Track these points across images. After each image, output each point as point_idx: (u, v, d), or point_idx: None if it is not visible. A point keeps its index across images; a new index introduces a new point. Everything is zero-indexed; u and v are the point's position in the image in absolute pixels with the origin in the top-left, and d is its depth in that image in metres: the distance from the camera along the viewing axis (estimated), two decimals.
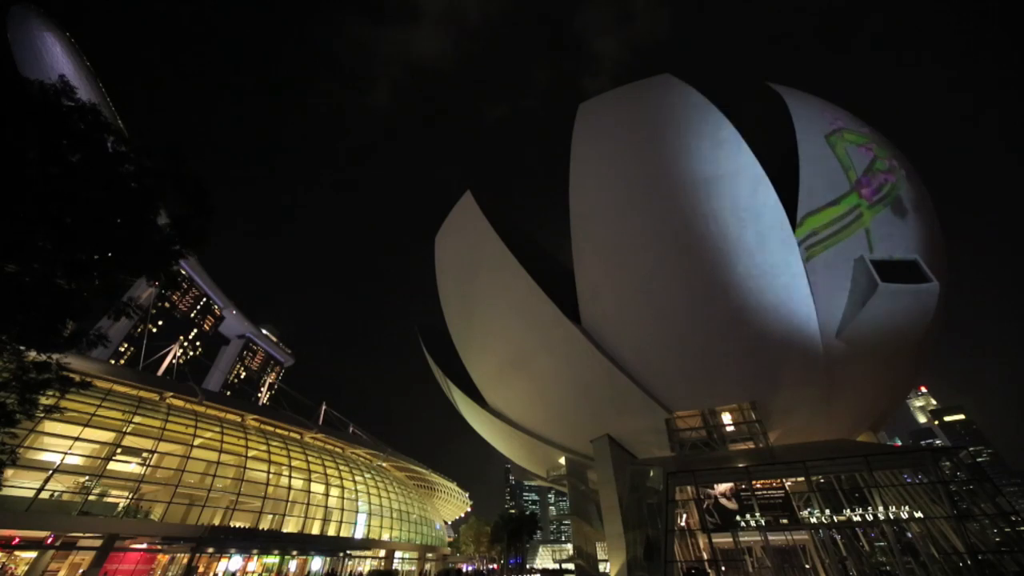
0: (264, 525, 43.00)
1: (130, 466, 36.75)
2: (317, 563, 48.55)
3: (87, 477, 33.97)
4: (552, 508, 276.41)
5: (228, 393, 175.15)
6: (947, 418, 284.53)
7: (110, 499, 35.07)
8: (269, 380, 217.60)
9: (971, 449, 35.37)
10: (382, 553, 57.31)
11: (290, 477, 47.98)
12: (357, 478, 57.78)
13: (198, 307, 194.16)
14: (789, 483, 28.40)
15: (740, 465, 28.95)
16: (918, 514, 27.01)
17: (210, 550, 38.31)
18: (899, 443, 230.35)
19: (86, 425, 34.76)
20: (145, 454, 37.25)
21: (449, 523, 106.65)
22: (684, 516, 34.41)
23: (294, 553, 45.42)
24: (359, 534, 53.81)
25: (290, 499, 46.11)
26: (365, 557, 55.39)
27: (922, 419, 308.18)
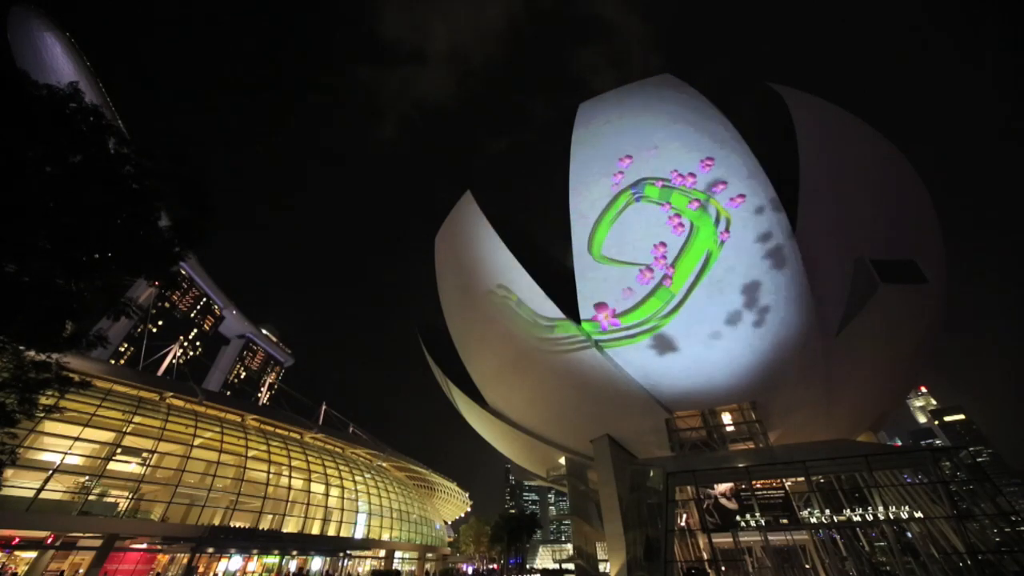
0: (264, 525, 42.99)
1: (130, 466, 36.73)
2: (317, 563, 48.55)
3: (87, 477, 33.96)
4: (552, 508, 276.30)
5: (228, 393, 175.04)
6: (947, 418, 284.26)
7: (110, 499, 35.07)
8: (269, 380, 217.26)
9: (971, 449, 35.41)
10: (382, 553, 57.30)
11: (290, 477, 47.96)
12: (357, 478, 57.76)
13: (198, 307, 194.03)
14: (789, 483, 28.38)
15: (740, 465, 28.93)
16: (918, 514, 27.01)
17: (210, 550, 38.30)
18: (899, 443, 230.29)
19: (86, 425, 34.75)
20: (145, 454, 37.23)
21: (449, 523, 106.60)
22: (684, 516, 34.41)
23: (294, 553, 45.41)
24: (359, 534, 53.80)
25: (290, 499, 46.10)
26: (365, 557, 55.40)
27: (922, 419, 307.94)
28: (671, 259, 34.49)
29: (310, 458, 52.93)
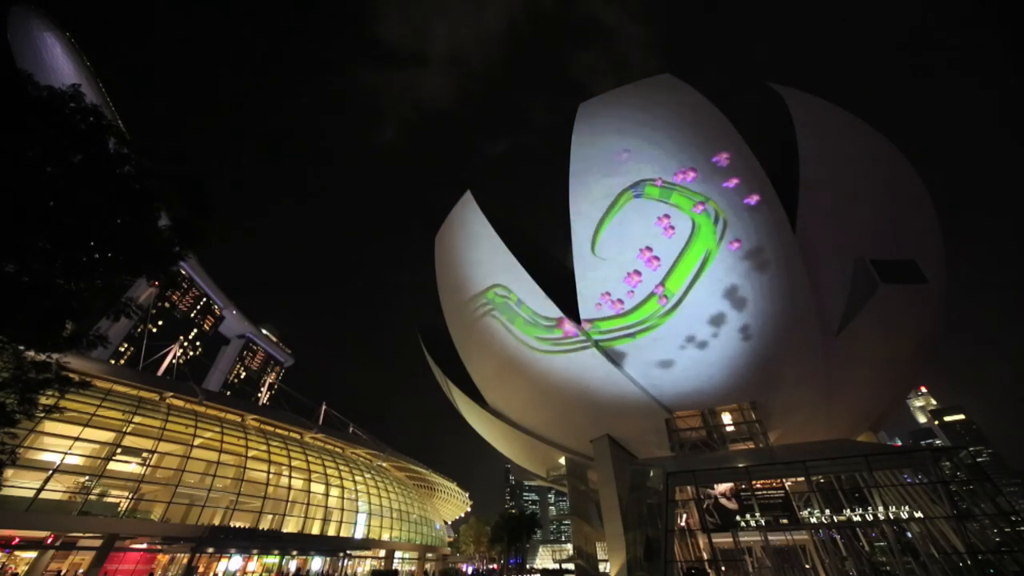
0: (264, 525, 42.99)
1: (130, 466, 36.73)
2: (317, 563, 48.55)
3: (87, 477, 33.96)
4: (552, 508, 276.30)
5: (228, 393, 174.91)
6: (947, 418, 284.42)
7: (110, 499, 35.07)
8: (269, 380, 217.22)
9: (971, 449, 35.42)
10: (382, 553, 57.31)
11: (290, 477, 47.96)
12: (357, 478, 57.76)
13: (198, 307, 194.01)
14: (789, 483, 28.38)
15: (740, 465, 28.94)
16: (918, 514, 27.01)
17: (210, 550, 38.30)
18: (899, 443, 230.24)
19: (86, 425, 34.74)
20: (145, 454, 37.23)
21: (449, 523, 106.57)
22: (684, 516, 34.40)
23: (294, 553, 45.41)
24: (359, 534, 53.79)
25: (290, 499, 46.09)
26: (365, 557, 55.40)
27: (922, 419, 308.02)
28: (667, 261, 34.41)
29: (310, 458, 52.93)
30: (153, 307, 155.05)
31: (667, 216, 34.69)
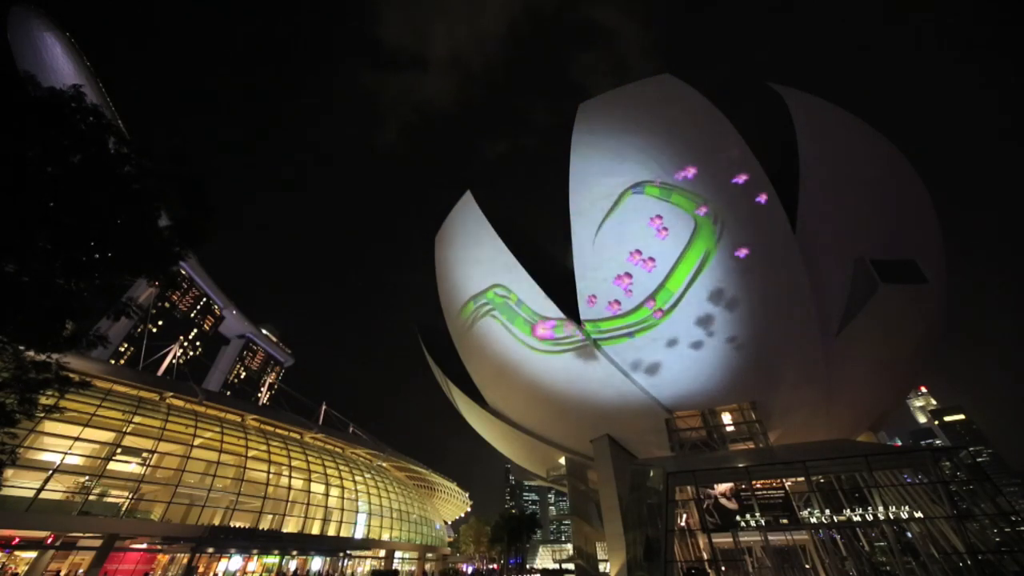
0: (264, 525, 42.99)
1: (130, 466, 36.73)
2: (317, 563, 48.55)
3: (87, 477, 33.96)
4: (552, 508, 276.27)
5: (228, 393, 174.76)
6: (947, 418, 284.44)
7: (110, 499, 35.07)
8: (269, 380, 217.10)
9: (971, 449, 35.40)
10: (382, 553, 57.30)
11: (290, 477, 47.96)
12: (357, 478, 57.76)
13: (198, 307, 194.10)
14: (789, 483, 28.36)
15: (740, 465, 28.93)
16: (918, 514, 27.00)
17: (210, 550, 38.30)
18: (899, 443, 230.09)
19: (86, 425, 34.74)
20: (145, 454, 37.23)
21: (449, 523, 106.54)
22: (684, 516, 34.39)
23: (294, 553, 45.41)
24: (359, 534, 53.79)
25: (290, 499, 46.09)
26: (365, 557, 55.39)
27: (922, 419, 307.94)
28: (666, 262, 34.37)
29: (310, 458, 52.93)
30: (153, 307, 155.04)
31: (659, 217, 34.65)
